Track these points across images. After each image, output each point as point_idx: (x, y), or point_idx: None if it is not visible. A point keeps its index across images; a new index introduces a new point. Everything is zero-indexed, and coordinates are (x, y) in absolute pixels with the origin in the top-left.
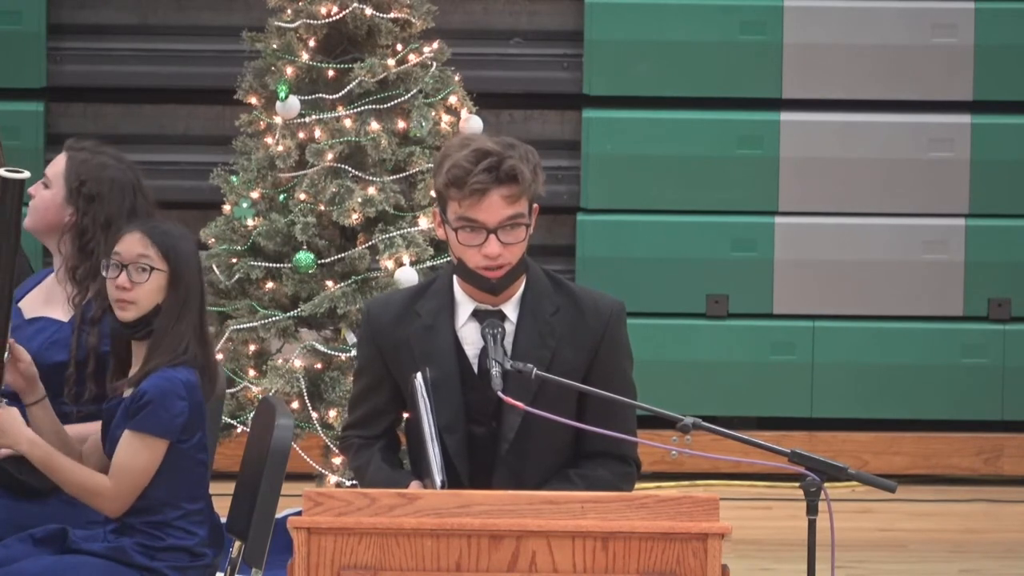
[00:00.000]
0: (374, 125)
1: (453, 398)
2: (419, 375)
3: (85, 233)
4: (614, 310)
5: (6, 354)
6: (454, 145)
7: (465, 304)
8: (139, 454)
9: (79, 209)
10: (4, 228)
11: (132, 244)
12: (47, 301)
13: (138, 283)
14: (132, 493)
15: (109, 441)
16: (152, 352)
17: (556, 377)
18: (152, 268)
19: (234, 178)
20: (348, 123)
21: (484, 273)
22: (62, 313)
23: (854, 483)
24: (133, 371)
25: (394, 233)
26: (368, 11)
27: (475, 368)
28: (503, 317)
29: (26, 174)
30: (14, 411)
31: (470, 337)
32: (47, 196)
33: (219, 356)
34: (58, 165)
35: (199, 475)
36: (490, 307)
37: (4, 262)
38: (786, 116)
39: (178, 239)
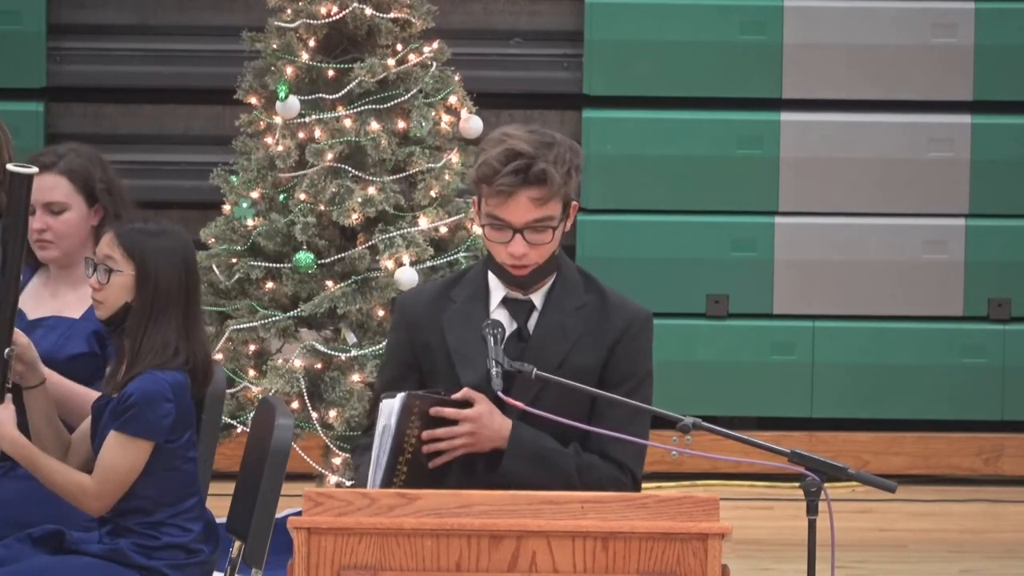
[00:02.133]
0: (374, 125)
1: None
2: (400, 396)
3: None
4: (640, 315)
5: (12, 349)
6: (493, 139)
7: (497, 291)
8: (124, 455)
9: (104, 206)
10: (13, 222)
11: (103, 244)
12: (55, 303)
13: (103, 283)
14: (115, 493)
15: (98, 439)
16: (137, 353)
17: (556, 377)
18: (112, 270)
19: (234, 178)
20: (348, 123)
21: (510, 270)
22: (74, 311)
23: (854, 483)
24: (122, 371)
25: (394, 233)
26: (368, 11)
27: None
28: (532, 307)
29: (34, 169)
30: (0, 410)
31: None
32: (71, 219)
33: (219, 356)
34: (59, 188)
35: (189, 472)
36: (520, 296)
37: (13, 256)
38: (786, 116)
39: (151, 237)
